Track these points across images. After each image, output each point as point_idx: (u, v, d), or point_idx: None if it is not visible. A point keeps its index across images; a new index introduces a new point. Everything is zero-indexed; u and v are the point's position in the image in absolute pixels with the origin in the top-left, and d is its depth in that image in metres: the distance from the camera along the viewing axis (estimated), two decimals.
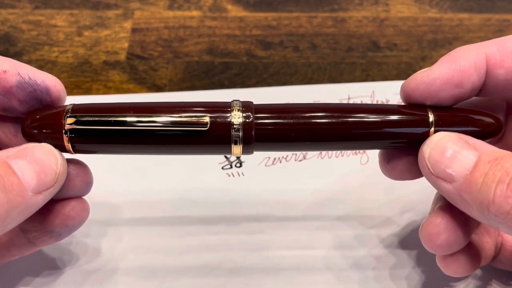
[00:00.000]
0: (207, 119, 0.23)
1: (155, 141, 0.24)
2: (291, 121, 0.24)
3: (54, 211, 0.25)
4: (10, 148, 0.23)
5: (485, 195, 0.21)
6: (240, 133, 0.23)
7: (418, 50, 0.42)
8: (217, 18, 0.44)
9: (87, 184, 0.26)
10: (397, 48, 0.42)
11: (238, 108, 0.24)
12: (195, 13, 0.44)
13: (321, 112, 0.24)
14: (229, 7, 0.45)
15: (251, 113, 0.24)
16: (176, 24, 0.43)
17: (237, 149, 0.24)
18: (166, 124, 0.23)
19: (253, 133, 0.24)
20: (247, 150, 0.24)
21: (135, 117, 0.23)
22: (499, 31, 0.43)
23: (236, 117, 0.24)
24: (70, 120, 0.23)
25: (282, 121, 0.24)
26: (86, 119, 0.23)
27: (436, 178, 0.23)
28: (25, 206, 0.21)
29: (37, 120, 0.23)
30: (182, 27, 0.43)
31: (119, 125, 0.23)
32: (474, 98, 0.26)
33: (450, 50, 0.25)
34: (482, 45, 0.24)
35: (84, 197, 0.26)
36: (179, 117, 0.23)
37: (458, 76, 0.24)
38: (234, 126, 0.23)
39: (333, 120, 0.24)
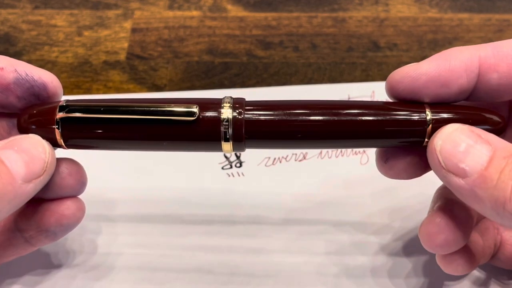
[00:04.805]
0: (196, 109, 0.23)
1: (143, 130, 0.23)
2: (283, 118, 0.23)
3: (49, 210, 0.25)
4: None
5: (501, 192, 0.20)
6: (230, 130, 0.23)
7: (418, 50, 0.42)
8: (217, 18, 0.44)
9: (81, 183, 0.26)
10: (397, 48, 0.42)
11: (229, 104, 0.23)
12: (195, 13, 0.44)
13: (314, 109, 0.23)
14: (229, 7, 0.45)
15: (242, 109, 0.23)
16: (176, 24, 0.43)
17: (227, 146, 0.23)
18: (154, 112, 0.23)
19: (243, 129, 0.23)
20: (238, 147, 0.24)
21: (125, 106, 0.23)
22: (499, 31, 0.43)
23: (226, 113, 0.23)
24: (60, 115, 0.23)
25: (273, 118, 0.23)
26: (77, 113, 0.23)
27: (446, 172, 0.22)
28: (15, 195, 0.21)
29: (32, 115, 0.24)
30: (182, 27, 0.43)
31: (108, 113, 0.23)
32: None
33: None
34: (477, 47, 0.23)
35: (83, 195, 0.26)
36: (168, 105, 0.23)
37: (446, 76, 0.23)
38: (224, 123, 0.23)
39: (326, 117, 0.23)
